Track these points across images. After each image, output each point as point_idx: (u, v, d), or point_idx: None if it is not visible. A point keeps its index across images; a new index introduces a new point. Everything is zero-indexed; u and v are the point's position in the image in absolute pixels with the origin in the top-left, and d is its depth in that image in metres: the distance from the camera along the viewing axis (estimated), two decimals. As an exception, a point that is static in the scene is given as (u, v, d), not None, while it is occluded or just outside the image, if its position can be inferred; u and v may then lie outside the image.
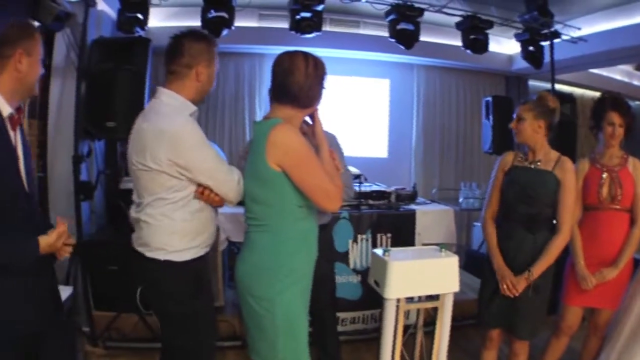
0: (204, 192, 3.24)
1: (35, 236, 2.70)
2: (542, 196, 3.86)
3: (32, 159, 3.02)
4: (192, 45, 3.24)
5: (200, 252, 3.35)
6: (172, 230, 3.21)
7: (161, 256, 3.21)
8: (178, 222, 3.21)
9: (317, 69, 3.05)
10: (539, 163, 3.93)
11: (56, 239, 2.74)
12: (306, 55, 3.06)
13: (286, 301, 3.02)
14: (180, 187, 3.18)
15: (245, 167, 3.20)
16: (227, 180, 3.22)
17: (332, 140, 4.19)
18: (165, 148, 3.06)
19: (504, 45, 9.28)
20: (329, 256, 4.38)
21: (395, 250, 3.74)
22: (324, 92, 3.15)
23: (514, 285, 3.83)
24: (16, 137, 2.77)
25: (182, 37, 3.26)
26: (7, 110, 2.69)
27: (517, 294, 3.83)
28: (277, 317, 2.99)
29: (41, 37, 2.91)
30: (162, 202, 3.19)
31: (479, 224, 8.40)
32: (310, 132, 3.24)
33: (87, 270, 5.44)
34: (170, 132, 3.07)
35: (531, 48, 7.46)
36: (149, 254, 3.25)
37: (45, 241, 2.70)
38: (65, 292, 4.72)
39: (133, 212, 3.36)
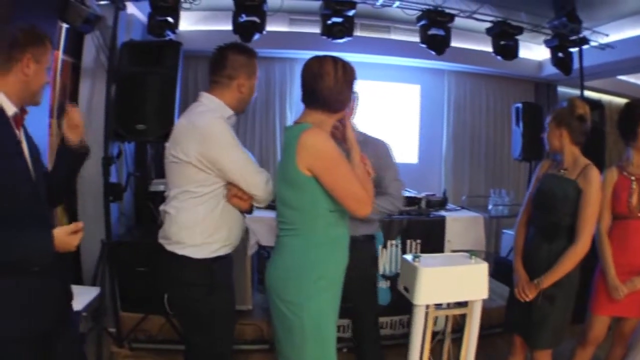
0: (234, 196, 3.29)
1: (47, 230, 2.67)
2: (561, 205, 3.82)
3: (45, 158, 3.08)
4: (235, 58, 3.41)
5: (220, 251, 3.37)
6: (192, 224, 3.29)
7: (179, 250, 3.30)
8: (200, 216, 3.29)
9: (346, 74, 3.05)
10: (565, 171, 3.89)
11: (73, 229, 2.69)
12: (335, 59, 3.05)
13: (315, 306, 3.00)
14: (208, 182, 3.26)
15: (277, 171, 3.20)
16: (256, 180, 3.28)
17: (383, 148, 4.19)
18: (196, 141, 3.19)
19: (534, 51, 9.23)
20: (373, 264, 4.37)
21: (425, 256, 3.72)
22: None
23: (524, 290, 3.82)
24: (20, 136, 2.80)
25: (225, 50, 3.43)
26: (11, 109, 2.73)
27: (527, 300, 3.82)
28: (305, 322, 2.98)
29: (51, 47, 2.94)
30: (187, 194, 3.29)
31: (507, 231, 8.38)
32: (341, 137, 3.23)
33: (115, 271, 5.46)
34: (201, 127, 3.22)
35: (560, 54, 7.43)
36: (168, 247, 3.36)
37: (60, 233, 2.65)
38: (92, 292, 4.74)
39: (162, 205, 3.48)
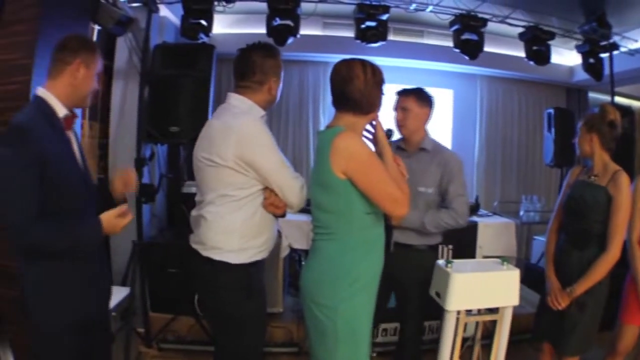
0: (270, 204, 3.26)
1: (95, 218, 2.91)
2: (591, 212, 3.79)
3: (92, 161, 3.19)
4: (264, 61, 3.33)
5: (257, 256, 3.34)
6: (231, 229, 3.23)
7: (216, 256, 3.24)
8: (238, 221, 3.23)
9: (375, 75, 3.06)
10: (595, 177, 3.87)
11: (118, 212, 2.92)
12: (363, 62, 3.06)
13: (349, 310, 3.00)
14: (245, 184, 3.20)
15: (311, 175, 3.19)
16: (292, 186, 3.23)
17: (452, 160, 4.18)
18: (233, 143, 3.12)
19: (565, 56, 9.15)
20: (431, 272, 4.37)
21: (457, 262, 3.71)
22: (384, 99, 3.16)
23: (557, 299, 3.80)
24: (71, 136, 3.05)
25: (251, 53, 3.34)
26: (62, 111, 2.94)
27: (560, 308, 3.79)
28: (338, 325, 2.98)
29: (100, 53, 3.12)
30: (225, 199, 3.22)
31: (538, 238, 8.31)
32: (373, 138, 3.23)
33: (146, 272, 5.49)
34: (238, 129, 3.13)
35: (591, 60, 7.37)
36: (204, 253, 3.29)
37: (107, 217, 2.90)
38: (122, 292, 4.78)
39: (194, 211, 3.43)
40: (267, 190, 3.26)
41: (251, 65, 3.31)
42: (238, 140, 3.12)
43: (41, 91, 2.93)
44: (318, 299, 3.05)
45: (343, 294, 2.98)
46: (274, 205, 3.28)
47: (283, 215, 3.43)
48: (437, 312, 3.67)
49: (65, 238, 2.81)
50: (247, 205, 3.24)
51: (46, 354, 2.93)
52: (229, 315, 3.34)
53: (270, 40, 6.17)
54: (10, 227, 2.69)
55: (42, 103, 2.91)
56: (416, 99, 4.26)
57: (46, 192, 2.73)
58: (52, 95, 2.92)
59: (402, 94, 4.29)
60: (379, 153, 3.12)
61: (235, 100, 3.35)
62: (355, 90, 2.99)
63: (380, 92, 3.11)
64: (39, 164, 2.69)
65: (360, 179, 2.92)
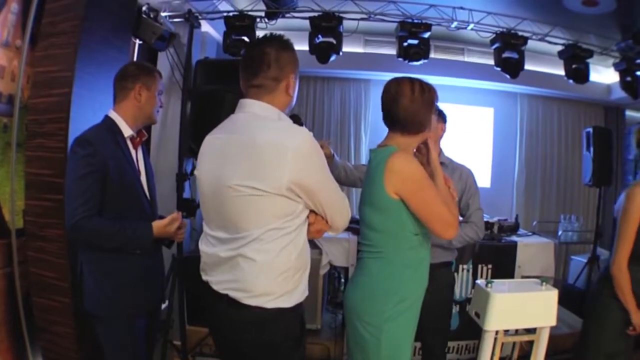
0: (316, 228, 2.75)
1: (148, 223, 3.30)
2: None
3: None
4: (280, 54, 2.74)
5: (306, 291, 2.79)
6: (286, 268, 2.63)
7: (269, 303, 2.63)
8: (293, 257, 2.65)
9: (424, 94, 3.02)
10: None
11: (169, 222, 3.33)
12: (412, 80, 3.04)
13: (393, 329, 2.99)
14: (296, 210, 2.63)
15: (361, 194, 3.19)
16: (343, 208, 2.79)
17: (468, 175, 4.19)
18: (289, 167, 2.49)
19: (602, 74, 9.11)
20: (449, 289, 4.34)
21: (497, 282, 3.69)
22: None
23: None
24: (137, 155, 3.43)
25: (265, 46, 2.75)
26: (128, 131, 3.33)
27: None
28: (382, 343, 2.97)
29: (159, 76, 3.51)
30: (276, 233, 2.60)
31: (576, 258, 8.25)
32: (425, 160, 3.22)
33: (184, 286, 5.52)
34: (296, 149, 2.51)
35: (628, 78, 7.30)
36: (248, 302, 2.64)
37: (157, 225, 3.30)
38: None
39: (222, 251, 2.72)
40: (312, 214, 2.73)
41: (265, 58, 2.70)
42: (296, 162, 2.51)
43: (111, 113, 3.35)
44: (363, 317, 3.03)
45: (389, 313, 2.97)
46: (321, 232, 2.78)
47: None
48: (476, 331, 3.65)
49: (116, 237, 3.15)
50: (298, 237, 2.67)
51: (98, 336, 3.32)
52: None
53: (313, 58, 6.21)
54: (72, 220, 3.05)
55: (110, 123, 3.32)
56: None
57: (107, 197, 3.15)
58: (119, 117, 3.33)
59: None
60: (431, 174, 3.11)
61: (258, 108, 2.73)
62: (401, 109, 2.99)
63: (429, 112, 3.08)
64: (100, 172, 3.11)
65: (413, 200, 2.91)
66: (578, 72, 7.13)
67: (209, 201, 2.78)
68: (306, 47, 6.40)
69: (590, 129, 7.58)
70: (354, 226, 6.40)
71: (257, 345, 2.70)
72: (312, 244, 3.48)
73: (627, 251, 3.69)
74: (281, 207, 2.56)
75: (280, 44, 2.77)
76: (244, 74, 2.78)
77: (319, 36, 6.31)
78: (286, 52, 2.77)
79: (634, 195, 3.69)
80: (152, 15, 5.33)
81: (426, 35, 6.53)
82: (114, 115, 3.35)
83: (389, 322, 2.97)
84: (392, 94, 3.02)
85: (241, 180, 2.56)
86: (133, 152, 3.40)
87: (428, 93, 3.05)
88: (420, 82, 3.06)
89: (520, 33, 6.76)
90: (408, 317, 3.06)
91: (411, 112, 2.99)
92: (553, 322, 3.65)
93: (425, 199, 2.91)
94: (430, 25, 6.48)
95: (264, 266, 2.59)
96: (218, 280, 2.77)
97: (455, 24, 6.75)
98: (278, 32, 2.86)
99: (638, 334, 3.71)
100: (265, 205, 2.55)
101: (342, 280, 6.75)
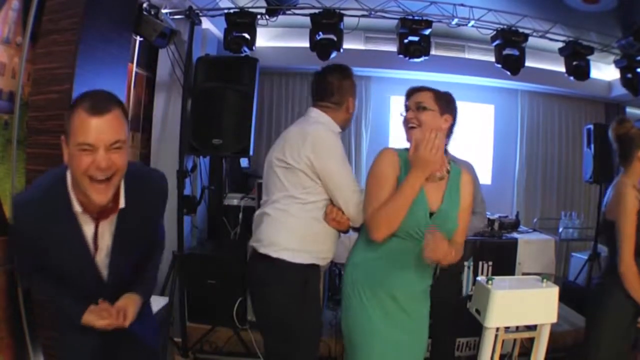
0: (333, 220, 3.29)
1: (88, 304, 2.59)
2: None
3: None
4: (341, 83, 3.51)
5: (316, 260, 3.36)
6: (294, 228, 3.28)
7: (273, 253, 3.26)
8: (302, 223, 3.29)
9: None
10: None
11: (95, 315, 2.55)
12: None
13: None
14: (313, 190, 3.28)
15: (440, 214, 3.12)
16: (352, 200, 3.26)
17: (472, 169, 4.23)
18: (308, 147, 3.23)
19: (603, 71, 9.10)
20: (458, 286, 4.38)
21: (498, 279, 3.68)
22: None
23: None
24: (100, 227, 2.54)
25: (328, 76, 3.53)
26: (78, 208, 2.44)
27: None
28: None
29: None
30: (292, 200, 3.29)
31: (577, 255, 8.25)
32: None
33: (185, 283, 5.53)
34: (313, 135, 3.27)
35: (629, 75, 7.28)
36: (261, 250, 3.32)
37: (87, 316, 2.56)
38: (160, 302, 4.83)
39: (257, 211, 3.52)
40: (330, 205, 3.31)
41: (329, 87, 3.48)
42: (313, 145, 3.23)
43: (68, 174, 2.45)
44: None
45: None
46: (336, 221, 3.29)
47: (346, 231, 3.44)
48: (475, 328, 3.65)
49: (51, 301, 2.81)
50: (312, 211, 3.30)
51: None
52: (282, 321, 3.31)
53: (314, 55, 6.21)
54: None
55: (58, 189, 2.45)
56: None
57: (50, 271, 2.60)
58: (70, 184, 2.43)
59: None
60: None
61: (315, 113, 3.51)
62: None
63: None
64: (30, 254, 2.59)
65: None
66: (579, 69, 7.11)
67: (264, 174, 3.53)
68: (307, 44, 6.39)
69: (591, 126, 7.60)
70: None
71: (267, 292, 3.33)
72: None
73: (632, 248, 3.70)
74: (300, 180, 3.26)
75: (341, 73, 3.54)
76: (314, 96, 3.58)
77: (320, 33, 6.29)
78: (346, 81, 3.54)
79: (625, 195, 3.75)
80: (152, 12, 5.32)
81: (427, 32, 6.51)
82: (68, 176, 2.43)
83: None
84: None
85: (277, 154, 3.36)
86: (89, 226, 2.51)
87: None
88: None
89: (521, 30, 6.74)
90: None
91: None
92: (554, 319, 3.64)
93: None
94: (431, 22, 6.46)
95: (275, 221, 3.30)
96: (253, 239, 3.46)
97: (455, 20, 6.73)
98: (340, 63, 3.68)
99: None
100: (288, 175, 3.29)
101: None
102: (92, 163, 2.24)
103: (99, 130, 2.22)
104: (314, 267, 3.36)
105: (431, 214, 3.02)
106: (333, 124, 3.45)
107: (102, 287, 2.65)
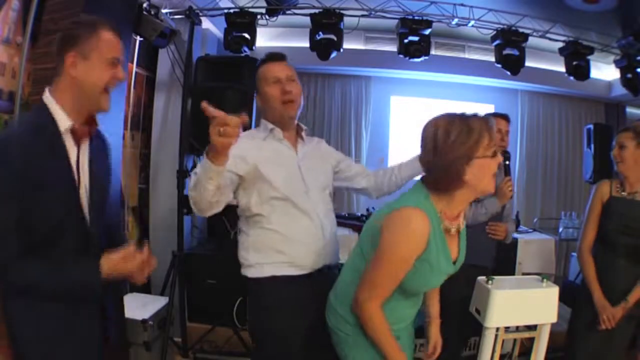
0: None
1: (93, 260, 2.29)
2: None
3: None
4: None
5: (282, 271, 3.11)
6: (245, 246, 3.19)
7: (244, 271, 3.17)
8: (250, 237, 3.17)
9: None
10: (637, 194, 3.86)
11: (122, 257, 2.30)
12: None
13: None
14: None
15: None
16: None
17: None
18: None
19: (603, 71, 9.10)
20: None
21: (498, 278, 3.68)
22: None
23: (613, 316, 3.79)
24: (80, 156, 2.39)
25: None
26: (65, 123, 2.32)
27: (614, 325, 3.79)
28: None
29: (114, 34, 2.46)
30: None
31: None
32: None
33: (184, 283, 5.53)
34: None
35: (629, 75, 7.29)
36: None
37: (109, 260, 2.28)
38: (160, 302, 4.82)
39: None
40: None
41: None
42: None
43: (45, 95, 2.37)
44: None
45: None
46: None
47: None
48: (477, 328, 3.65)
49: (55, 280, 2.24)
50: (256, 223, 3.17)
51: None
52: (258, 331, 3.24)
53: (314, 55, 6.22)
54: None
55: (39, 112, 2.35)
56: None
57: (34, 225, 2.21)
58: (54, 100, 2.34)
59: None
60: None
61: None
62: None
63: None
64: (16, 197, 2.15)
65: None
66: (579, 69, 7.12)
67: None
68: (307, 44, 6.41)
69: (591, 126, 7.61)
70: (355, 223, 6.40)
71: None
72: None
73: (588, 237, 4.05)
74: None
75: None
76: None
77: (320, 33, 6.30)
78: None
79: (596, 188, 4.12)
80: (152, 12, 5.33)
81: (427, 32, 6.52)
82: (47, 98, 2.35)
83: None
84: None
85: None
86: (73, 150, 2.36)
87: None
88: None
89: (521, 30, 6.75)
90: None
91: None
92: (554, 319, 3.64)
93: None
94: (431, 22, 6.48)
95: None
96: None
97: (456, 20, 6.74)
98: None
99: (607, 328, 3.85)
100: None
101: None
102: (113, 76, 2.41)
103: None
104: (282, 279, 3.13)
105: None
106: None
107: (88, 240, 2.39)
